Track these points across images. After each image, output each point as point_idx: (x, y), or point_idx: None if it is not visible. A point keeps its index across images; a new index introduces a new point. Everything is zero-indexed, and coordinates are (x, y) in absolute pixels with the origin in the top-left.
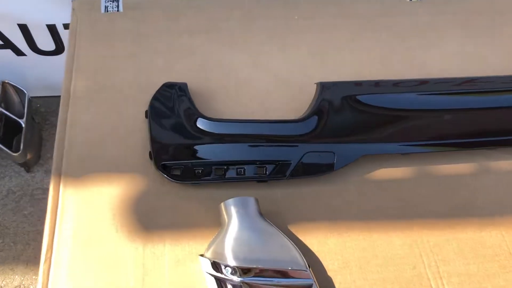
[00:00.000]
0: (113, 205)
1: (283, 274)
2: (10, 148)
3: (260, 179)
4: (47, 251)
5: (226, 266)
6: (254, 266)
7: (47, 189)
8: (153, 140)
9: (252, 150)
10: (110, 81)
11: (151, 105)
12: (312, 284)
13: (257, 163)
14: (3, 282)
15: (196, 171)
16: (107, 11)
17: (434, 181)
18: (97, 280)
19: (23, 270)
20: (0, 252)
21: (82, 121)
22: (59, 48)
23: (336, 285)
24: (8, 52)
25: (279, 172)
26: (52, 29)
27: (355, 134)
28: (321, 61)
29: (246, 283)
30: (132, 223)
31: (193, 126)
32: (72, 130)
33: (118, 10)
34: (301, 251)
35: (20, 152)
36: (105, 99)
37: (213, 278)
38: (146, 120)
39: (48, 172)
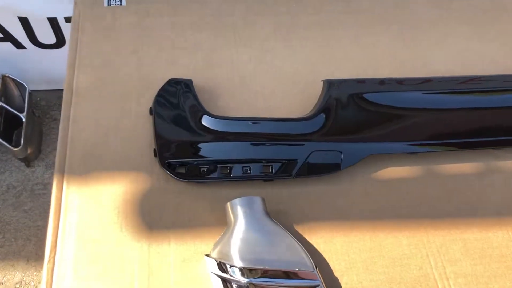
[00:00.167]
0: (117, 203)
1: (290, 275)
2: (10, 142)
3: (266, 178)
4: (51, 251)
5: (232, 266)
6: (261, 267)
7: (48, 184)
8: (158, 138)
9: (258, 148)
10: (113, 77)
11: (156, 102)
12: (319, 285)
13: (263, 161)
14: (4, 278)
15: (201, 170)
16: (110, 4)
17: (441, 181)
18: (102, 281)
19: (24, 266)
20: (0, 248)
21: (85, 117)
22: (60, 42)
23: (343, 285)
24: (8, 45)
25: (285, 171)
26: (53, 22)
27: (362, 133)
28: (327, 57)
29: (253, 284)
30: (136, 222)
31: (198, 123)
32: (75, 127)
33: (121, 4)
34: (307, 251)
35: (20, 147)
36: (109, 95)
37: (219, 279)
38: (151, 117)
39: (48, 167)
